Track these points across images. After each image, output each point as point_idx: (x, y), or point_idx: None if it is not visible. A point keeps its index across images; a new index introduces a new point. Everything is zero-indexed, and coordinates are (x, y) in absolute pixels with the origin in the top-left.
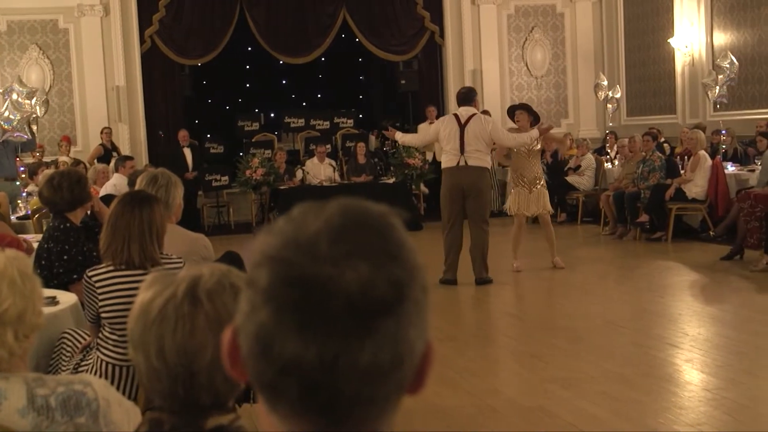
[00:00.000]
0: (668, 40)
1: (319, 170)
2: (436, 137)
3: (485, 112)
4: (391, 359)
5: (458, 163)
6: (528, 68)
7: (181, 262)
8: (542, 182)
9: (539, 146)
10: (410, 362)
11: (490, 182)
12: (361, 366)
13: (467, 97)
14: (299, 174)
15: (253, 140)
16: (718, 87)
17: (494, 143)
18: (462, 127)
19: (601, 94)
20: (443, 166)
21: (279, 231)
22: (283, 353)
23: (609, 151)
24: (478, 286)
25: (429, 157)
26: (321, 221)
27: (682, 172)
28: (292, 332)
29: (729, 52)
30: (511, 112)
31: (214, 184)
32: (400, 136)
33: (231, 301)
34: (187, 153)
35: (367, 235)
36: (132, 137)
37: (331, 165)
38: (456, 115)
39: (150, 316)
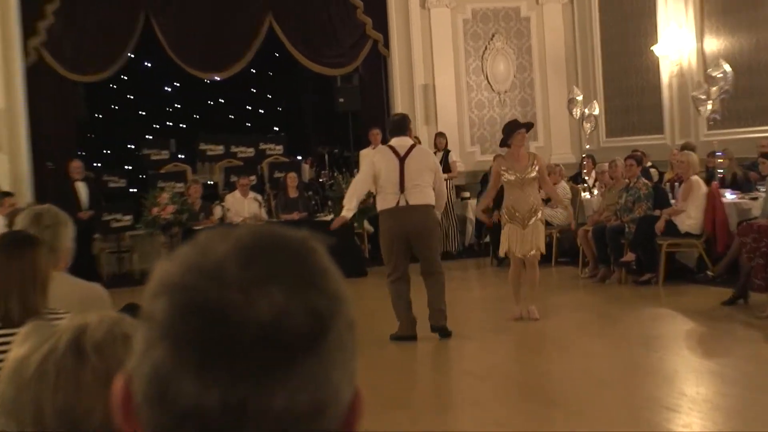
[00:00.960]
0: (652, 48)
1: (242, 206)
2: (373, 177)
3: (440, 135)
4: (310, 405)
5: (398, 202)
6: (489, 82)
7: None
8: (539, 215)
9: (534, 173)
10: (334, 411)
11: (437, 220)
12: (273, 412)
13: (401, 125)
14: (218, 211)
15: (161, 171)
16: (710, 101)
17: (448, 174)
18: (401, 160)
19: (576, 112)
20: (380, 207)
21: (181, 256)
22: (180, 397)
23: (586, 178)
24: (439, 341)
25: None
26: (230, 244)
27: (672, 201)
28: (191, 371)
29: (722, 60)
30: (511, 130)
31: (114, 224)
32: (346, 210)
33: (123, 354)
34: (81, 188)
35: (283, 259)
36: (13, 169)
37: (257, 200)
38: (392, 148)
39: (25, 374)
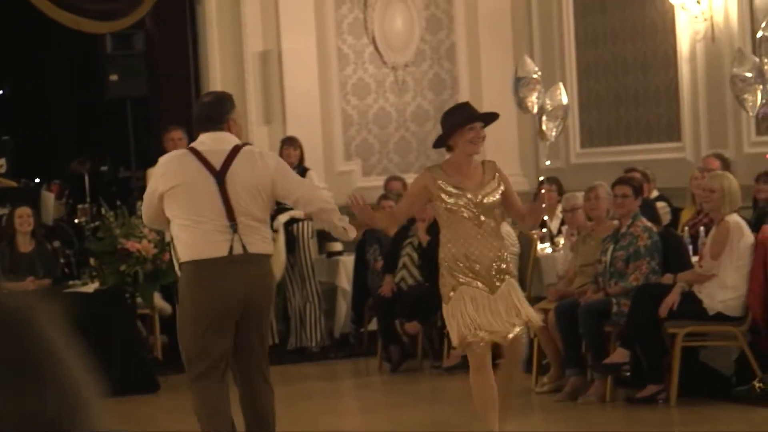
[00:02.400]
0: None
1: None
2: (160, 204)
3: (289, 142)
4: None
5: (231, 249)
6: (377, 49)
7: None
8: (511, 267)
9: (497, 194)
10: None
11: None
12: None
13: (215, 112)
14: None
15: None
16: (763, 86)
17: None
18: (219, 173)
19: (530, 103)
20: (189, 257)
21: None
22: None
23: (546, 218)
24: None
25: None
26: None
27: (694, 259)
28: None
29: None
30: (456, 123)
31: None
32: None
33: None
34: None
35: None
36: None
37: None
38: (197, 153)
39: None
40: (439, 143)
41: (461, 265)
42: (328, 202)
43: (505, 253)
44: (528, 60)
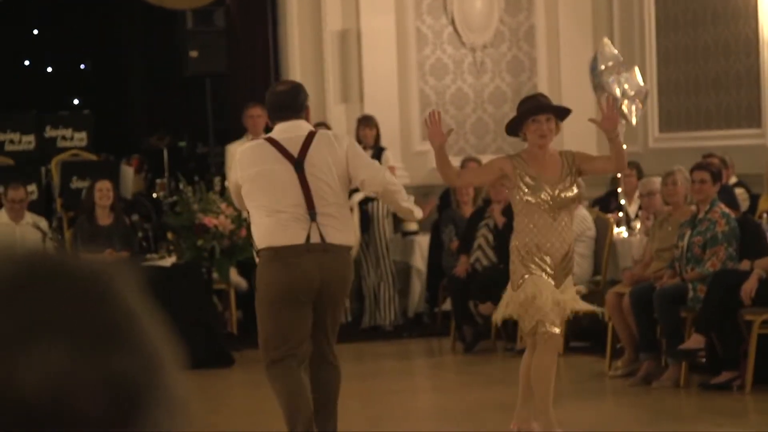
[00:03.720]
0: None
1: (12, 237)
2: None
3: (366, 121)
4: None
5: (308, 237)
6: (456, 30)
7: None
8: (572, 265)
9: (575, 189)
10: None
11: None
12: None
13: (293, 101)
14: None
15: None
16: None
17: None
18: (297, 161)
19: (611, 86)
20: (266, 244)
21: None
22: None
23: (624, 202)
24: None
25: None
26: None
27: None
28: None
29: None
30: (525, 113)
31: None
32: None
33: None
34: None
35: (66, 301)
36: None
37: (38, 228)
38: (275, 142)
39: None
40: (510, 132)
41: (532, 254)
42: (393, 183)
43: (572, 248)
44: (607, 43)
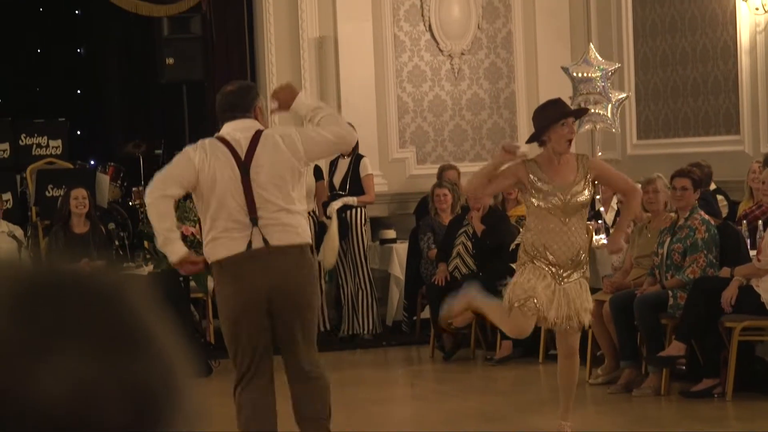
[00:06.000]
0: None
1: None
2: (188, 182)
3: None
4: None
5: (249, 244)
6: (434, 37)
7: None
8: (585, 269)
9: (587, 193)
10: None
11: (317, 273)
12: None
13: (242, 100)
14: None
15: None
16: None
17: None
18: (243, 163)
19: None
20: (212, 258)
21: None
22: None
23: (602, 209)
24: None
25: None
26: None
27: (752, 253)
28: None
29: None
30: (551, 118)
31: None
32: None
33: None
34: None
35: (84, 309)
36: None
37: (14, 237)
38: (225, 142)
39: None
40: (533, 138)
41: (538, 251)
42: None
43: (584, 255)
44: (592, 49)
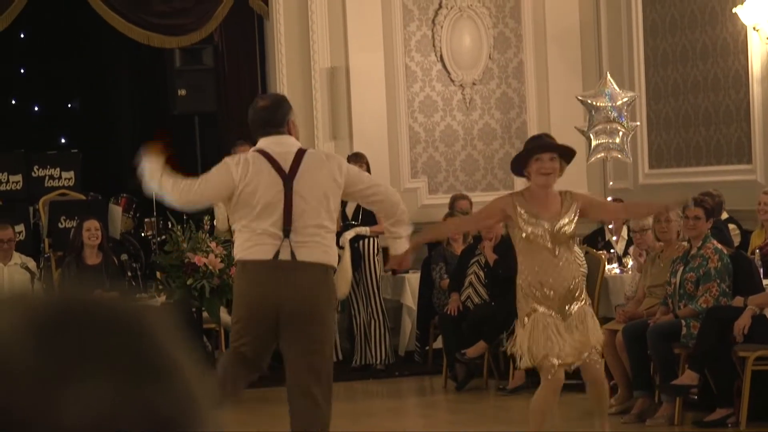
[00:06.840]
0: (734, 10)
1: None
2: (221, 194)
3: (356, 158)
4: None
5: (277, 254)
6: (445, 66)
7: None
8: (585, 296)
9: (573, 225)
10: None
11: (335, 295)
12: None
13: (275, 115)
14: None
15: None
16: None
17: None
18: (287, 177)
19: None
20: (239, 257)
21: None
22: None
23: (614, 239)
24: None
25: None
26: (16, 318)
27: (766, 282)
28: None
29: None
30: (530, 152)
31: None
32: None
33: None
34: None
35: (106, 339)
36: None
37: (26, 269)
38: (267, 155)
39: None
40: (515, 171)
41: (536, 292)
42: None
43: (579, 281)
44: (608, 78)
